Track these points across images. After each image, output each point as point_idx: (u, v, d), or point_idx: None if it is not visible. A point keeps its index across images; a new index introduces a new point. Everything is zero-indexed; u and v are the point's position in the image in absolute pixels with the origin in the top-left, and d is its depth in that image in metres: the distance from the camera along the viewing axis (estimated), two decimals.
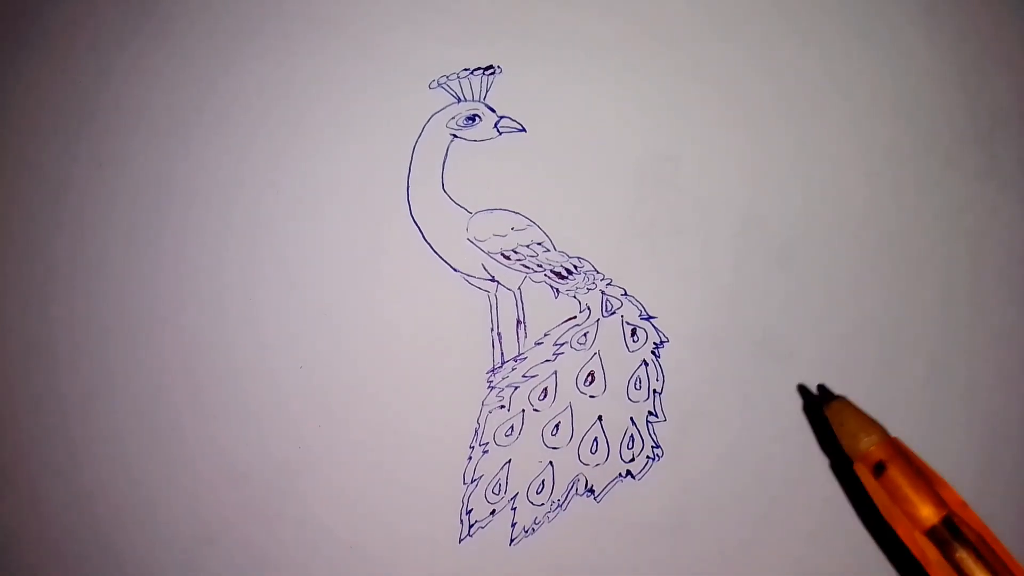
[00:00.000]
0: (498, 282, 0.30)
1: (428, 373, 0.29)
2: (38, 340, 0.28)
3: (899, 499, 0.23)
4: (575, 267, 0.30)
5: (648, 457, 0.30)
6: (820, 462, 0.30)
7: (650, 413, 0.30)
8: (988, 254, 0.33)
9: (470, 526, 0.29)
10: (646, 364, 0.30)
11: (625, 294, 0.30)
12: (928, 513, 0.23)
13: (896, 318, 0.32)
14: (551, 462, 0.30)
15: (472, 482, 0.29)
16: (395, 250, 0.30)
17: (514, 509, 0.29)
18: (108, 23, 0.30)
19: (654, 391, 0.30)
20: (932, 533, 0.23)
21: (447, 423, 0.29)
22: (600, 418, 0.30)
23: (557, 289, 0.30)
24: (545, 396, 0.30)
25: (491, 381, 0.30)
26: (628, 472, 0.30)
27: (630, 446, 0.30)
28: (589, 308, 0.30)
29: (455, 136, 0.30)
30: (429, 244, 0.30)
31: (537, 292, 0.30)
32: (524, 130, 0.31)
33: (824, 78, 0.33)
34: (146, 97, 0.30)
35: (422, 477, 0.29)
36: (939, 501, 0.23)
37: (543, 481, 0.30)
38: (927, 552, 0.22)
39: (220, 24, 0.30)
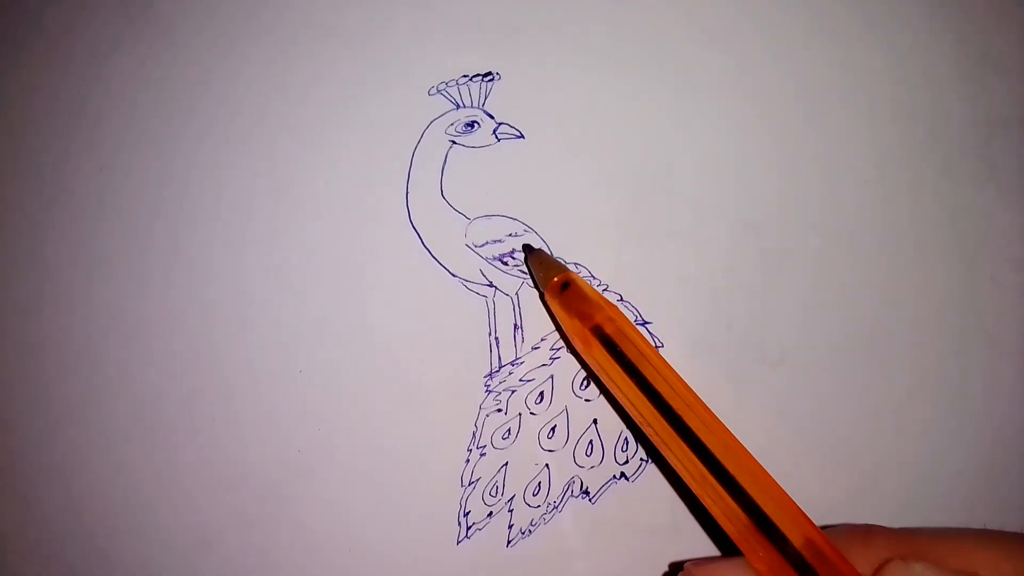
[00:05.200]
0: (496, 287, 0.30)
1: (426, 377, 0.30)
2: (35, 344, 0.29)
3: (573, 309, 0.27)
4: None
5: (642, 459, 0.30)
6: (809, 459, 0.31)
7: None
8: (984, 261, 0.33)
9: (468, 528, 0.29)
10: None
11: (620, 299, 0.31)
12: (593, 314, 0.27)
13: (890, 325, 0.32)
14: (547, 464, 0.30)
15: (470, 484, 0.30)
16: (394, 256, 0.30)
17: (511, 511, 0.30)
18: (108, 27, 0.30)
19: None
20: (596, 330, 0.26)
21: (445, 426, 0.30)
22: (595, 421, 0.31)
23: None
24: (541, 400, 0.30)
25: (488, 385, 0.30)
26: (622, 474, 0.30)
27: (624, 449, 0.30)
28: None
29: (454, 142, 0.30)
30: (428, 250, 0.30)
31: (534, 297, 0.30)
32: (522, 136, 0.31)
33: (821, 85, 0.33)
34: (145, 101, 0.30)
35: (420, 480, 0.29)
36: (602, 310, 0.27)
37: (539, 483, 0.30)
38: (591, 344, 0.26)
39: (220, 29, 0.30)
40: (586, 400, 0.31)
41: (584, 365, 0.30)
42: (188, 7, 0.30)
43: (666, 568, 0.30)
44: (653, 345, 0.29)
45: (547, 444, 0.30)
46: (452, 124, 0.30)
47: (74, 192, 0.29)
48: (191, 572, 0.28)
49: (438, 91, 0.30)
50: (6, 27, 0.30)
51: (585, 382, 0.31)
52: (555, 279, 0.28)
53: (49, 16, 0.30)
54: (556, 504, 0.30)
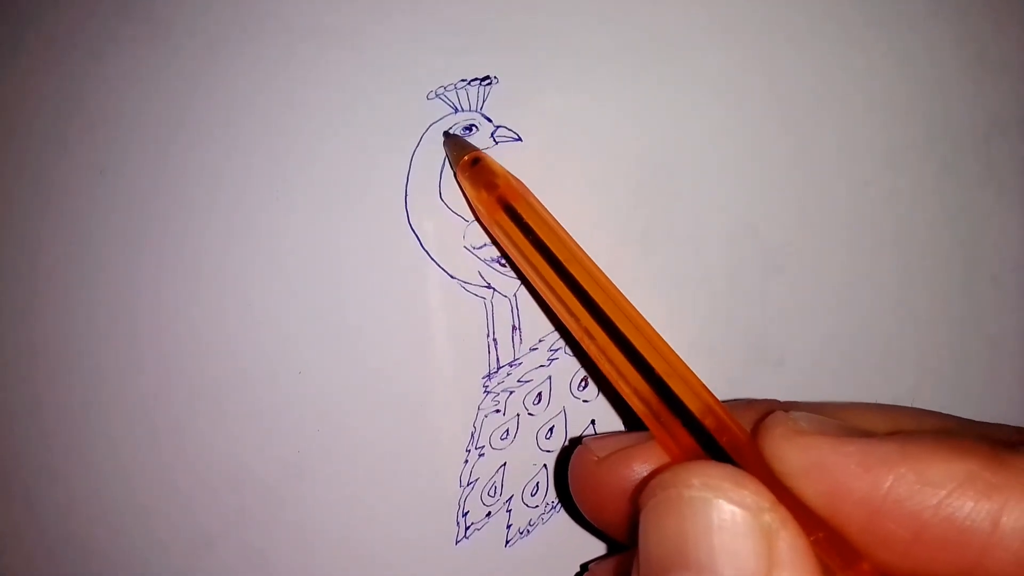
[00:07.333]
0: (494, 289, 0.30)
1: (425, 378, 0.30)
2: (36, 344, 0.29)
3: (481, 181, 0.29)
4: None
5: None
6: None
7: None
8: (983, 261, 0.33)
9: (466, 528, 0.30)
10: None
11: None
12: (498, 184, 0.28)
13: (890, 325, 0.32)
14: (545, 465, 0.30)
15: (468, 485, 0.30)
16: (393, 257, 0.30)
17: (509, 511, 0.30)
18: (108, 28, 0.31)
19: None
20: (501, 200, 0.28)
21: (444, 427, 0.30)
22: (593, 422, 0.31)
23: None
24: (540, 401, 0.31)
25: (487, 386, 0.30)
26: None
27: None
28: None
29: None
30: (427, 252, 0.30)
31: (532, 299, 0.31)
32: (520, 139, 0.31)
33: (820, 85, 0.33)
34: (145, 103, 0.30)
35: (419, 480, 0.29)
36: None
37: (538, 483, 0.30)
38: (496, 211, 0.28)
39: (220, 32, 0.31)
40: (584, 401, 0.31)
41: (500, 250, 0.30)
42: (187, 9, 0.31)
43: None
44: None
45: (545, 445, 0.31)
46: (451, 127, 0.30)
47: (76, 195, 0.30)
48: (191, 573, 0.28)
49: (436, 95, 0.31)
50: (5, 29, 0.30)
51: (583, 383, 0.31)
52: (466, 157, 0.29)
53: (47, 17, 0.30)
54: (554, 504, 0.30)
